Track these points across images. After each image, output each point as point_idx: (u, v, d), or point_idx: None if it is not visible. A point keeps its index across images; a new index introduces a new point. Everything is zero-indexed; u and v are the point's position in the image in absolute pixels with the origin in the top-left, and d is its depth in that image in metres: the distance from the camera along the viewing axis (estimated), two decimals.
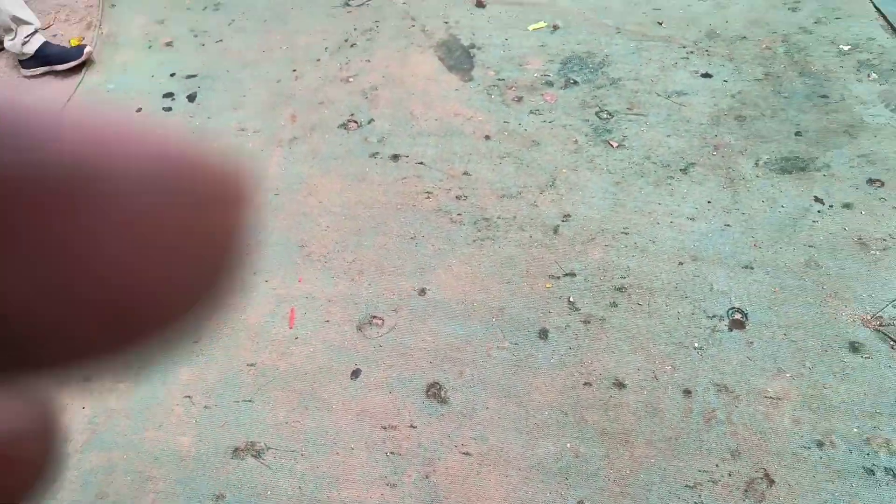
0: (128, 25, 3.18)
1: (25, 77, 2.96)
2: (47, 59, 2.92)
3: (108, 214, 0.14)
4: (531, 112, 2.49)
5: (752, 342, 1.86)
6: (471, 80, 2.64)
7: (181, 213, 0.15)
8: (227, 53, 2.98)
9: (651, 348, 1.86)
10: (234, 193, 0.16)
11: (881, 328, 1.87)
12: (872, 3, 2.74)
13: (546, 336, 1.91)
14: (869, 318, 1.89)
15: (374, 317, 1.99)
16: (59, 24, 3.21)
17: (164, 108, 2.76)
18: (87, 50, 2.94)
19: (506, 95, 2.56)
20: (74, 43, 3.07)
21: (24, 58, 2.93)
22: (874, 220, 2.09)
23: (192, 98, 2.78)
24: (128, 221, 0.14)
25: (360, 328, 1.97)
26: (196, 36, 3.09)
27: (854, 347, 1.84)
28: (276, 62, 2.90)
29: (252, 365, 1.93)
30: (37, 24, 2.91)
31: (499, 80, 2.62)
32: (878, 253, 2.02)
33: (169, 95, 2.81)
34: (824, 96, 2.43)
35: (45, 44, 2.93)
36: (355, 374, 1.88)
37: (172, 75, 2.91)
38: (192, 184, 0.15)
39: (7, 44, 2.90)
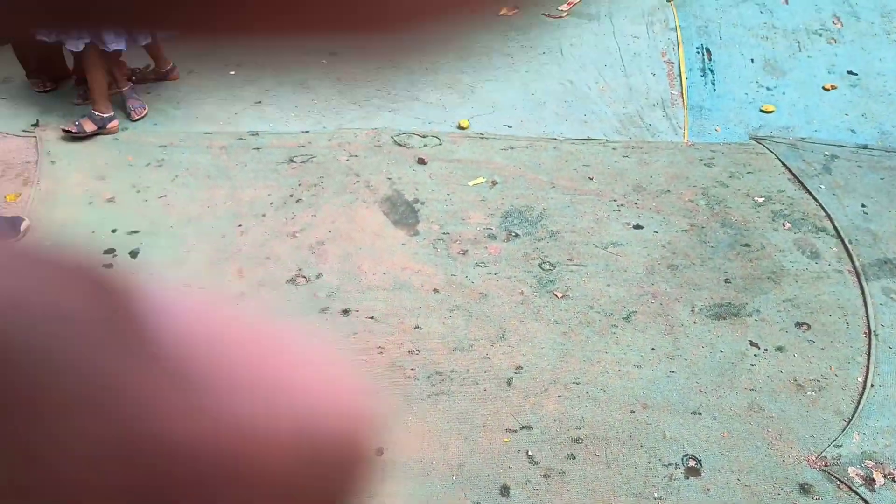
0: (67, 181, 3.18)
1: None
2: None
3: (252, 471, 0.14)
4: (477, 264, 2.58)
5: (708, 489, 1.89)
6: (416, 234, 2.74)
7: (307, 465, 0.15)
8: (170, 209, 3.00)
9: (612, 500, 1.86)
10: (358, 455, 0.16)
11: (826, 468, 1.94)
12: (778, 158, 3.03)
13: (507, 492, 1.89)
14: (814, 458, 1.96)
15: None
16: None
17: (104, 265, 2.72)
18: (24, 225, 2.84)
19: (451, 249, 2.66)
20: (11, 199, 3.05)
21: None
22: (806, 361, 2.21)
23: (134, 254, 2.77)
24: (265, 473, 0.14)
25: None
26: (139, 192, 3.11)
27: (804, 489, 1.89)
28: (221, 217, 2.94)
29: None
30: None
31: (444, 233, 2.73)
32: (813, 394, 2.13)
33: (110, 252, 2.79)
34: (746, 245, 2.62)
35: None
36: None
37: (114, 231, 2.90)
38: (324, 438, 0.15)
39: None
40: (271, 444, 0.14)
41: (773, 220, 2.74)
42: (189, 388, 0.14)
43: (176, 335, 0.14)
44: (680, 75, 3.58)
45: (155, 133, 3.44)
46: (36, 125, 3.49)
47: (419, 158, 3.14)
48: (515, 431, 2.03)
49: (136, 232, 2.87)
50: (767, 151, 3.12)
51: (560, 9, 4.46)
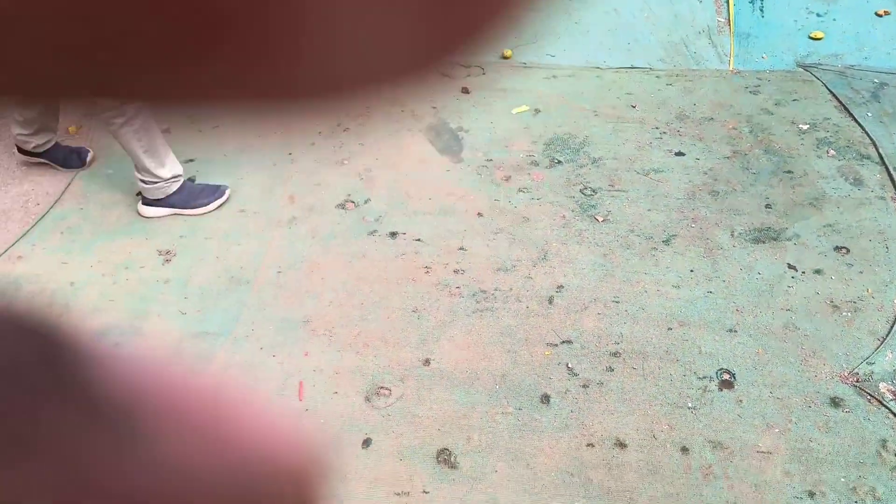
0: None
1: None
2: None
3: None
4: (520, 190, 2.65)
5: (741, 400, 1.97)
6: (461, 161, 2.81)
7: None
8: (223, 139, 3.11)
9: (648, 409, 1.96)
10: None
11: (858, 384, 2.00)
12: (825, 85, 3.00)
13: (548, 401, 2.00)
14: (846, 374, 2.03)
15: (382, 387, 2.07)
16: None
17: None
18: (89, 157, 2.91)
19: (495, 175, 2.73)
20: (73, 131, 3.19)
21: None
22: (843, 284, 2.25)
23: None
24: None
25: (368, 398, 2.05)
26: (192, 123, 3.22)
27: (835, 402, 1.97)
28: (272, 146, 3.04)
29: None
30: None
31: (487, 160, 2.79)
32: (849, 314, 2.18)
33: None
34: (789, 172, 2.64)
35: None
36: (366, 443, 1.94)
37: None
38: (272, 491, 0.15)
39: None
40: (210, 491, 0.14)
41: (818, 148, 2.74)
42: (126, 435, 0.14)
43: (116, 384, 0.14)
44: (727, 2, 3.52)
45: None
46: None
47: (463, 88, 3.19)
48: (556, 346, 2.13)
49: (192, 160, 2.99)
50: (815, 79, 3.09)
51: None
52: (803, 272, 2.30)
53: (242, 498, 0.15)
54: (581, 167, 2.73)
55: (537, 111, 3.02)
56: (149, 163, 2.55)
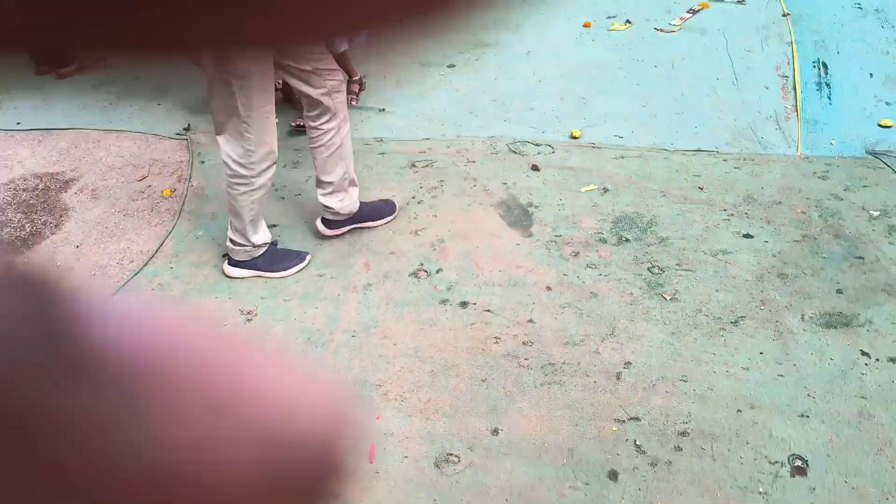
0: (217, 178, 3.51)
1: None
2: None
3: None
4: (588, 266, 2.72)
5: (814, 488, 1.95)
6: (530, 235, 2.90)
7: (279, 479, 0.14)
8: (304, 206, 3.28)
9: (717, 492, 1.96)
10: (332, 471, 0.14)
11: None
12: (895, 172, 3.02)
13: (616, 477, 2.02)
14: None
15: (451, 454, 2.12)
16: (153, 177, 3.56)
17: None
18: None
19: (563, 250, 2.80)
20: (167, 193, 3.40)
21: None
22: None
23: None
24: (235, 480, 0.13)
25: (437, 465, 2.09)
26: (277, 190, 3.40)
27: None
28: None
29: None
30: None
31: (556, 236, 2.88)
32: None
33: None
34: (860, 257, 2.64)
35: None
36: None
37: None
38: (302, 461, 0.14)
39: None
40: (229, 465, 0.13)
41: (889, 234, 2.74)
42: (137, 413, 0.12)
43: (114, 341, 0.12)
44: (794, 89, 3.60)
45: (290, 138, 3.75)
46: (187, 129, 3.87)
47: (533, 165, 3.31)
48: (624, 422, 2.15)
49: (275, 225, 3.15)
50: (885, 166, 3.11)
51: (672, 24, 4.53)
52: (877, 359, 2.28)
53: (267, 471, 0.13)
54: (649, 246, 2.79)
55: (605, 190, 3.11)
56: (248, 229, 2.71)
